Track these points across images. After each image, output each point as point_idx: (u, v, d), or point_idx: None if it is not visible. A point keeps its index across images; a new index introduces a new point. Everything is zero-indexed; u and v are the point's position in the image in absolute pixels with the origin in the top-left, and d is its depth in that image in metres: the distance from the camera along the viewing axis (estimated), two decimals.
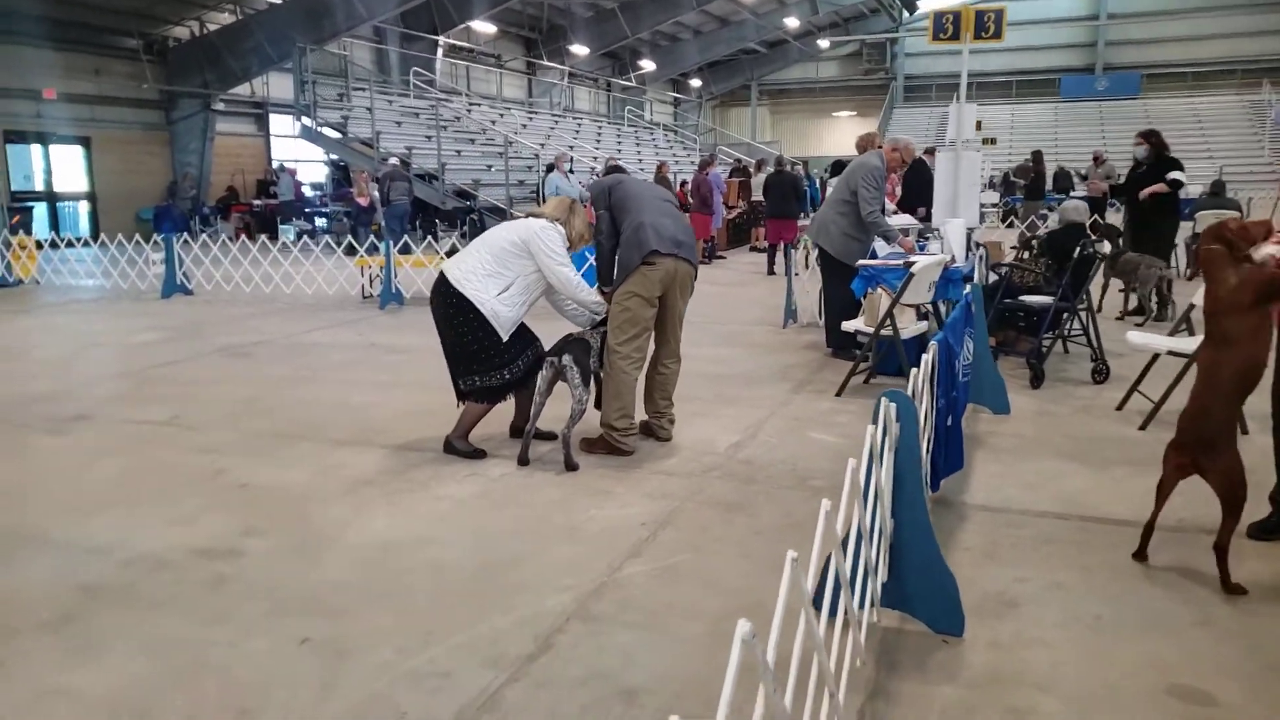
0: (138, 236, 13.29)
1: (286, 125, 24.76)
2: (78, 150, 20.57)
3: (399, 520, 3.88)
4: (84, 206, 21.01)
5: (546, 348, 4.65)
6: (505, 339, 4.48)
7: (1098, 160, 15.27)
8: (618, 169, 6.02)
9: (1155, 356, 5.37)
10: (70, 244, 13.73)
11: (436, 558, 3.49)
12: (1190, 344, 5.06)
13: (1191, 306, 5.45)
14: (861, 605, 2.58)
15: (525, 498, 4.11)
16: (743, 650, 1.37)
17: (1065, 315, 6.56)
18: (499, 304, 4.42)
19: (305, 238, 17.97)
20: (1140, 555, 3.35)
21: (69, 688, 2.67)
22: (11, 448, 5.05)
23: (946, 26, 7.44)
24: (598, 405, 4.66)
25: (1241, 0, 35.16)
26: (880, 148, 6.84)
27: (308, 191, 22.03)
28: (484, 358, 4.49)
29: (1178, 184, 8.05)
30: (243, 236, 16.90)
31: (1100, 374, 6.12)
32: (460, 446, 4.68)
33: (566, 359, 4.40)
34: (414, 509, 4.01)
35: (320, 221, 19.80)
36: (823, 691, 1.96)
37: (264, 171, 24.14)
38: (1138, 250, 8.26)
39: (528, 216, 4.69)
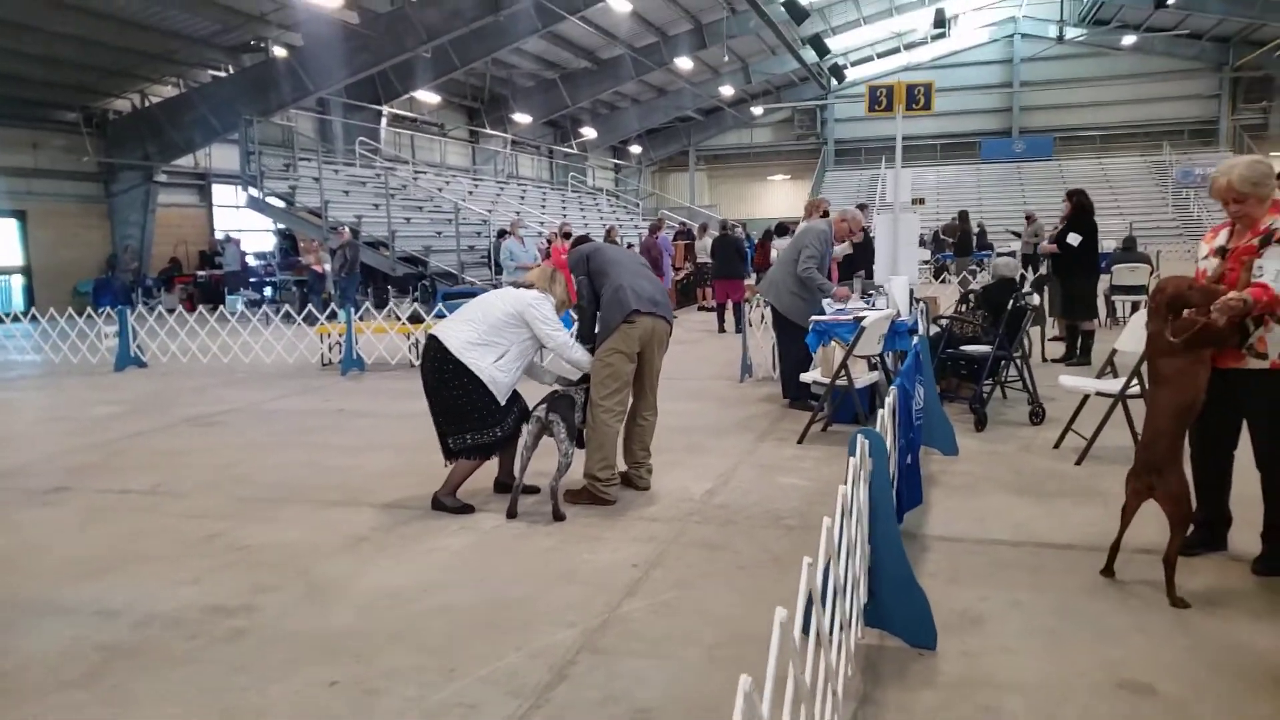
0: (71, 310, 13.20)
1: (229, 195, 24.85)
2: (12, 224, 20.35)
3: (401, 570, 4.09)
4: (18, 280, 20.71)
5: (529, 403, 4.93)
6: (502, 402, 4.75)
7: (1030, 219, 16.29)
8: (586, 239, 6.41)
9: (1085, 398, 5.87)
10: (0, 320, 13.55)
11: (444, 602, 3.71)
12: (1115, 385, 5.57)
13: (1114, 351, 5.98)
14: (845, 626, 2.88)
15: (519, 546, 4.35)
16: (742, 695, 1.49)
17: (1003, 363, 7.06)
18: (496, 370, 4.70)
19: (251, 307, 17.99)
20: (1108, 571, 3.72)
21: None
22: None
23: (880, 99, 8.05)
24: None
25: (1139, 70, 37.76)
26: (826, 214, 7.36)
27: (252, 261, 22.03)
28: (476, 417, 4.73)
29: (1068, 246, 8.72)
30: (185, 308, 16.86)
31: (1037, 416, 6.60)
32: (448, 503, 4.90)
33: (553, 416, 4.68)
34: (414, 560, 4.21)
35: (267, 291, 19.79)
36: (820, 706, 2.25)
37: (207, 242, 24.10)
38: (1065, 303, 8.92)
39: (514, 287, 5.00)
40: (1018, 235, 17.29)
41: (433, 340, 4.80)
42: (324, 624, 3.56)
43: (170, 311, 12.88)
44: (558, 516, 4.66)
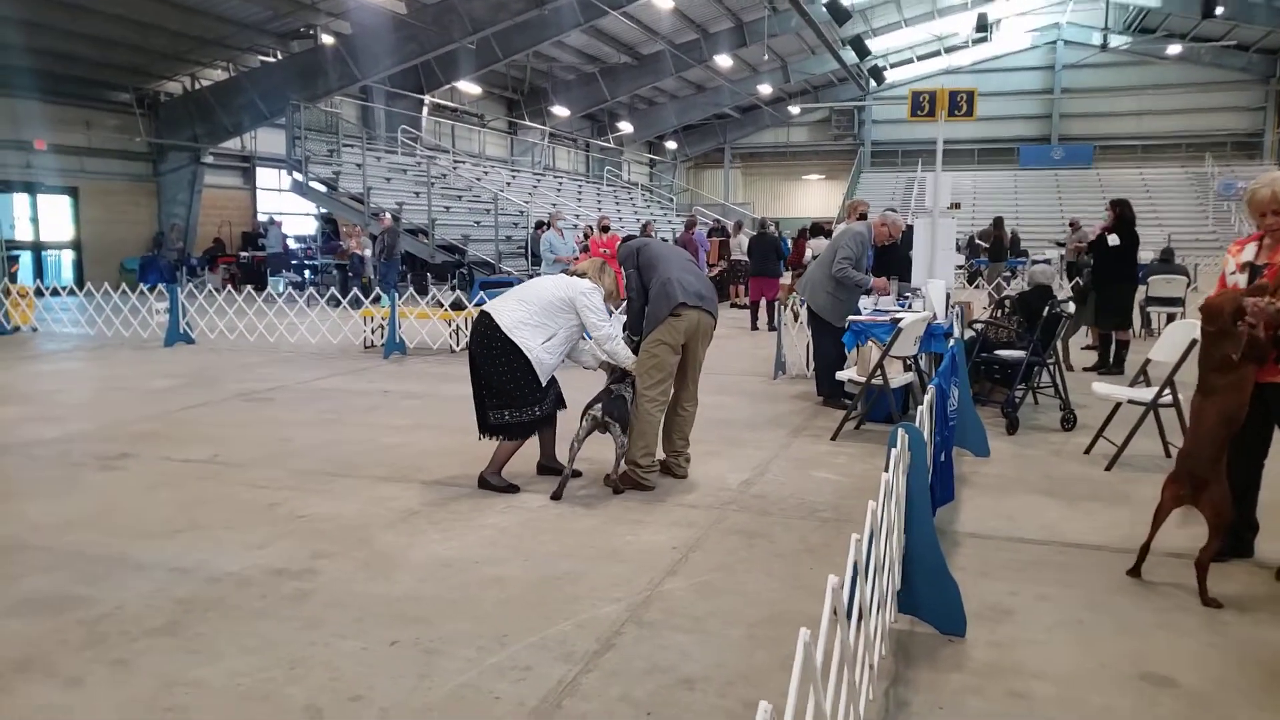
0: (124, 286, 13.61)
1: (272, 179, 25.30)
2: (65, 200, 20.89)
3: (453, 544, 4.30)
4: (68, 255, 21.26)
5: (563, 391, 5.19)
6: (544, 382, 4.96)
7: (1074, 226, 16.35)
8: (633, 238, 6.66)
9: (1117, 405, 5.98)
10: (55, 292, 14.02)
11: (496, 574, 3.92)
12: (1147, 394, 5.68)
13: (1148, 361, 6.08)
14: (881, 605, 3.05)
15: (564, 526, 4.55)
16: (802, 645, 1.69)
17: (1036, 368, 7.17)
18: (543, 352, 4.92)
19: (295, 289, 18.37)
20: (1135, 572, 3.84)
21: (195, 680, 3.04)
22: (70, 482, 5.38)
23: (923, 105, 8.14)
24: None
25: (1183, 80, 37.30)
26: (864, 217, 7.50)
27: (293, 244, 22.45)
28: (518, 395, 4.94)
29: (1104, 250, 8.82)
30: (229, 287, 17.27)
31: (1068, 422, 6.71)
32: (495, 482, 5.11)
33: (609, 419, 4.93)
34: (464, 535, 4.43)
35: (308, 274, 20.19)
36: (859, 673, 2.42)
37: (250, 224, 24.56)
38: (1099, 312, 8.99)
39: (567, 275, 5.23)
40: (1061, 245, 17.28)
41: (484, 317, 5.00)
42: (382, 589, 3.78)
43: (216, 291, 13.24)
44: (617, 491, 4.99)
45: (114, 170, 21.47)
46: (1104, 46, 37.87)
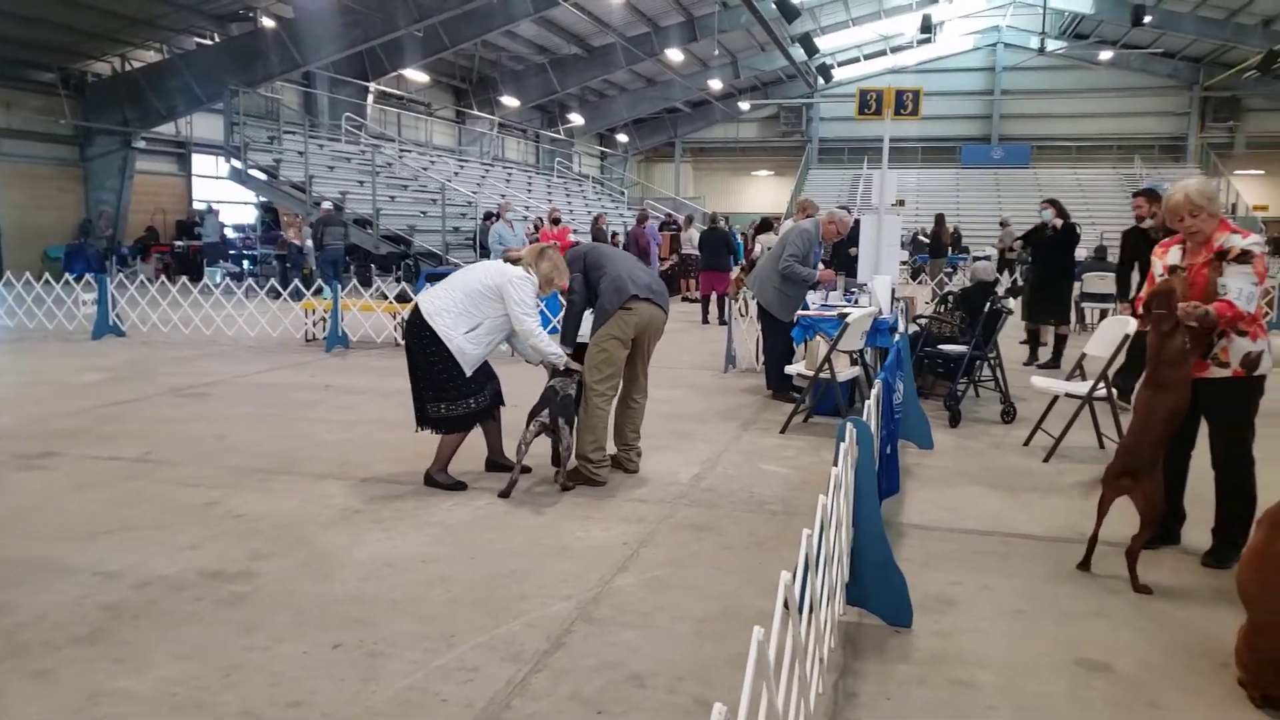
0: (47, 275, 13.08)
1: (210, 166, 24.64)
2: None
3: (397, 543, 4.21)
4: None
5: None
6: (469, 374, 4.84)
7: (1003, 224, 16.71)
8: (588, 232, 6.58)
9: (1055, 398, 6.11)
10: None
11: (442, 573, 3.85)
12: (1083, 388, 5.81)
13: (1084, 355, 6.22)
14: (830, 597, 3.06)
15: (512, 523, 4.49)
16: (755, 644, 1.68)
17: (977, 363, 7.29)
18: (465, 341, 4.79)
19: (233, 280, 17.92)
20: (1085, 565, 3.90)
21: (121, 690, 2.92)
22: None
23: (870, 103, 8.23)
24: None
25: (1115, 85, 38.42)
26: (812, 215, 7.56)
27: (231, 233, 21.89)
28: (450, 388, 4.84)
29: (1046, 239, 9.05)
30: (162, 278, 16.76)
31: (1008, 415, 6.84)
32: (441, 479, 5.02)
33: (561, 421, 4.84)
34: (409, 533, 4.34)
35: (246, 264, 19.71)
36: (809, 667, 2.42)
37: (185, 212, 23.89)
38: (1036, 305, 9.18)
39: (504, 260, 5.07)
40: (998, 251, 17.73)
41: (415, 307, 4.91)
42: (324, 590, 3.68)
43: (150, 281, 12.84)
44: (565, 489, 4.92)
45: (36, 154, 20.61)
46: (1041, 50, 38.67)
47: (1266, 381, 3.91)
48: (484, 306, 4.83)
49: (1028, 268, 9.65)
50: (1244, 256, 3.74)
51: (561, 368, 4.98)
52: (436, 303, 4.83)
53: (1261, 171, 37.00)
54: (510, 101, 31.22)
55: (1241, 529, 3.91)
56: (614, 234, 18.69)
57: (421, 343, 4.82)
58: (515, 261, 4.95)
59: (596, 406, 4.96)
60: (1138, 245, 7.32)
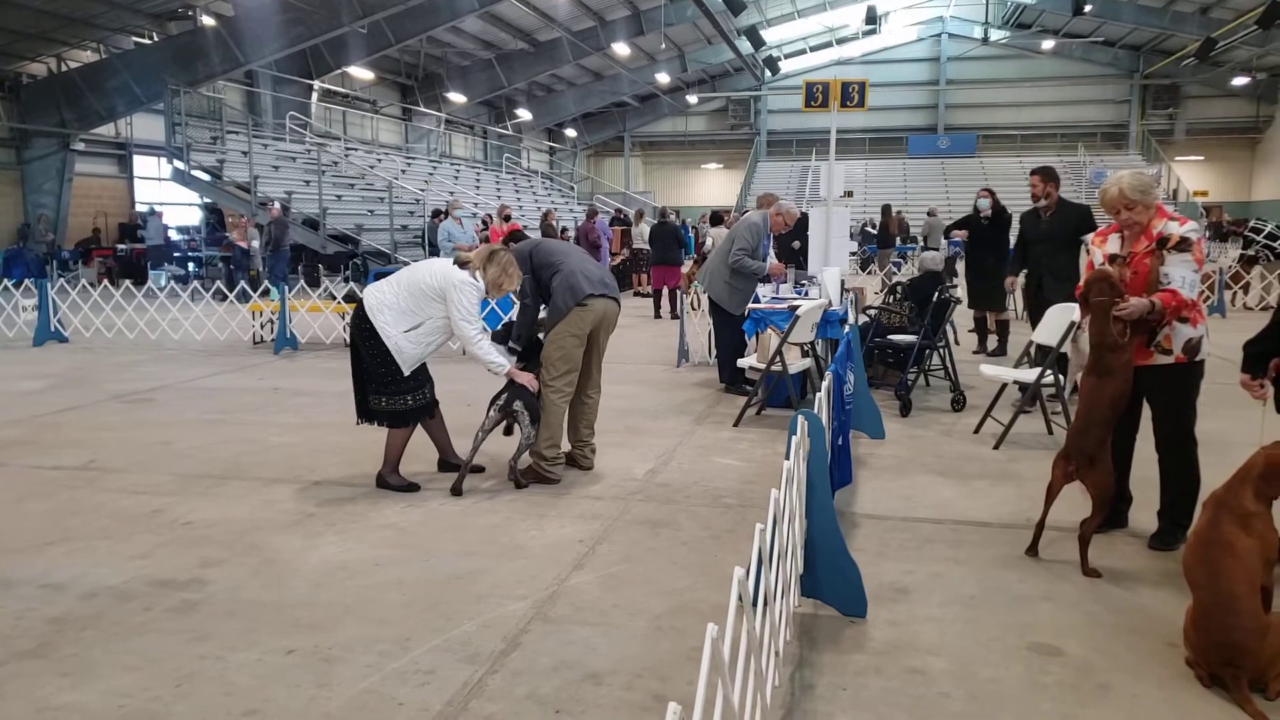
0: None
1: (152, 167, 24.08)
2: None
3: (350, 546, 4.17)
4: None
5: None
6: (405, 373, 4.79)
7: (931, 214, 17.10)
8: (521, 234, 6.40)
9: (1004, 386, 6.22)
10: None
11: (396, 576, 3.81)
12: (1031, 375, 5.93)
13: (1031, 343, 6.34)
14: (785, 591, 3.09)
15: (466, 523, 4.46)
16: (709, 641, 1.69)
17: (927, 352, 7.40)
18: (404, 340, 4.74)
19: (178, 283, 17.53)
20: (1032, 551, 3.97)
21: (70, 704, 2.85)
22: None
23: (817, 95, 8.29)
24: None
25: (1057, 74, 39.23)
26: (767, 209, 7.61)
27: (175, 235, 21.41)
28: (389, 383, 4.81)
29: (979, 225, 9.19)
30: (105, 282, 16.33)
31: (958, 403, 6.95)
32: (393, 481, 4.97)
33: (518, 405, 4.81)
34: (363, 536, 4.29)
35: (192, 266, 19.31)
36: (765, 661, 2.45)
37: (128, 214, 23.32)
38: (976, 295, 9.31)
39: (454, 262, 4.92)
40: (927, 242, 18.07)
41: (361, 299, 4.86)
42: (276, 597, 3.63)
43: (91, 286, 12.52)
44: (519, 485, 4.88)
45: None
46: (985, 40, 39.44)
47: (1205, 365, 4.03)
48: (427, 306, 4.76)
49: (959, 256, 9.79)
50: (1183, 244, 3.84)
51: (502, 375, 4.87)
52: (380, 298, 4.78)
53: (1201, 157, 38.05)
54: (457, 98, 30.94)
55: (1186, 510, 4.03)
56: (564, 229, 18.63)
57: (363, 335, 4.79)
58: (465, 264, 4.84)
59: (553, 404, 4.95)
60: (1028, 223, 7.46)
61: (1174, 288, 3.79)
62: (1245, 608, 2.81)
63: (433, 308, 4.75)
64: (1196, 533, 2.99)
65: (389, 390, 4.81)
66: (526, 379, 4.87)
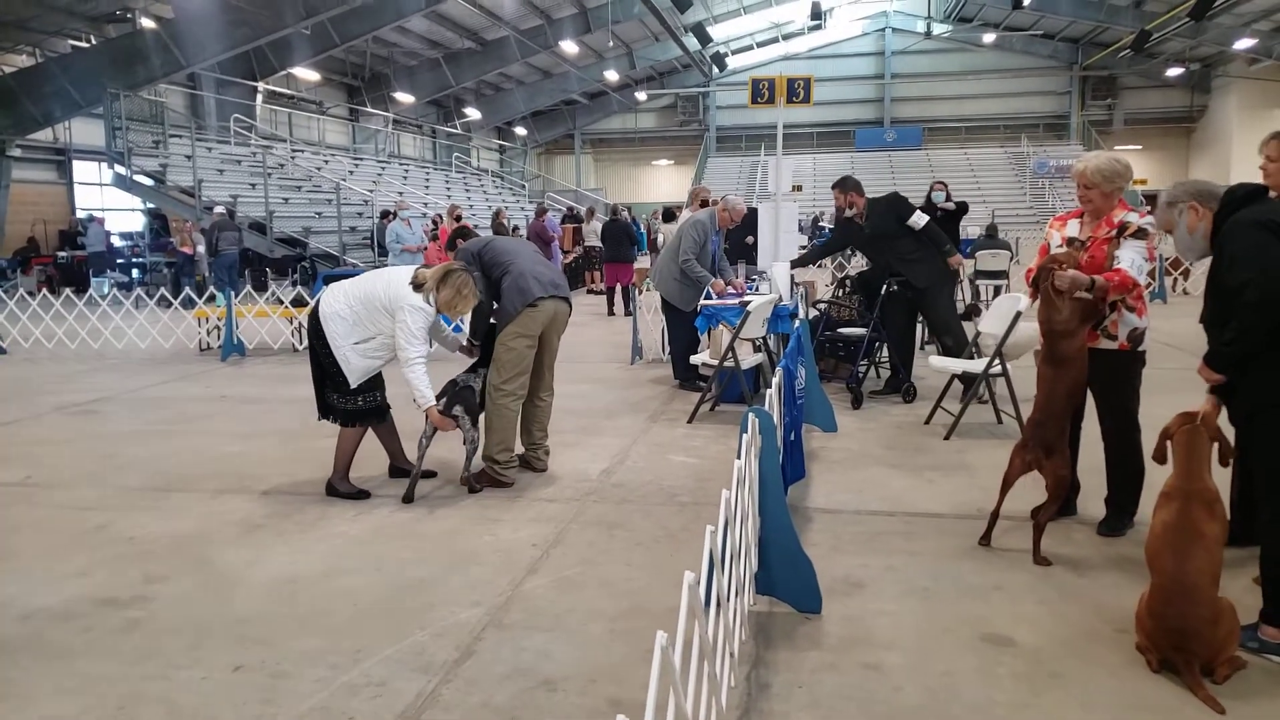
0: None
1: (92, 173, 23.46)
2: None
3: (300, 557, 4.09)
4: None
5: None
6: (353, 384, 4.75)
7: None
8: (468, 232, 6.21)
9: (953, 377, 6.30)
10: None
11: (347, 586, 3.75)
12: (978, 365, 6.01)
13: (979, 334, 6.43)
14: (739, 591, 3.09)
15: (418, 530, 4.40)
16: (659, 650, 1.68)
17: (877, 344, 7.46)
18: (353, 352, 4.69)
19: (122, 290, 17.10)
20: (985, 540, 4.00)
21: None
22: None
23: (763, 92, 8.33)
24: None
25: (999, 66, 39.95)
26: (705, 204, 7.61)
27: (117, 242, 20.89)
28: (340, 382, 4.77)
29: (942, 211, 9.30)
30: (44, 290, 15.88)
31: (909, 394, 7.02)
32: (343, 488, 4.90)
33: (458, 409, 4.75)
34: (312, 547, 4.21)
35: (135, 273, 18.85)
36: (719, 664, 2.44)
37: (68, 221, 22.70)
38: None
39: (413, 279, 4.69)
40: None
41: (322, 297, 4.81)
42: (223, 611, 3.55)
43: (31, 295, 12.16)
44: (473, 490, 4.85)
45: None
46: (928, 34, 39.98)
47: (1148, 354, 4.11)
48: (379, 321, 4.67)
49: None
50: (1140, 233, 3.94)
51: (422, 410, 4.72)
52: (334, 306, 4.72)
53: (1140, 147, 38.95)
54: (404, 98, 30.60)
55: (1132, 496, 4.10)
56: (515, 227, 18.52)
57: (318, 336, 4.75)
58: (420, 284, 4.64)
59: (504, 407, 4.90)
60: (846, 233, 7.53)
61: (1121, 267, 3.87)
62: (1204, 596, 2.85)
63: (385, 323, 4.67)
64: (1165, 522, 2.97)
65: (342, 390, 4.78)
66: (441, 423, 4.72)
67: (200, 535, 4.39)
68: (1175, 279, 14.85)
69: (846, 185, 7.27)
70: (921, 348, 8.18)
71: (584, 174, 42.97)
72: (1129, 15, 32.56)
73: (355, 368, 4.71)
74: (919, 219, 6.86)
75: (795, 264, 8.03)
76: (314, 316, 4.78)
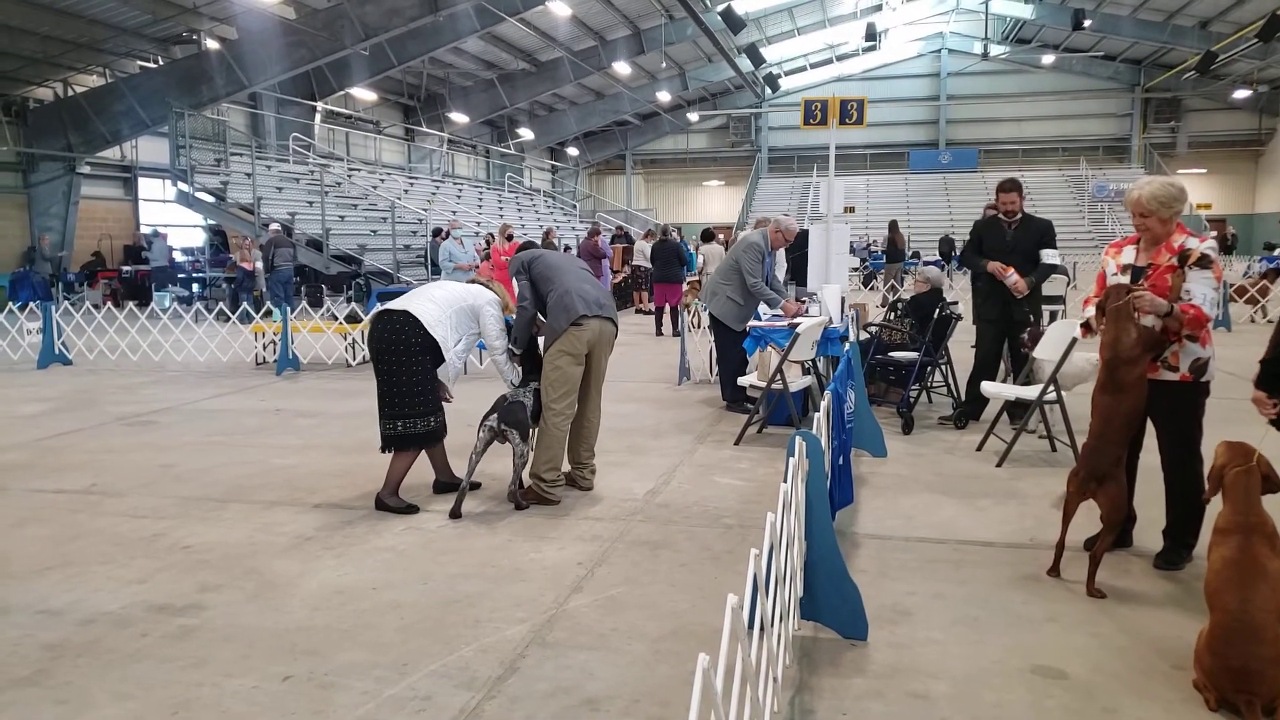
0: None
1: (156, 189, 24.22)
2: None
3: (349, 570, 4.14)
4: None
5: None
6: (451, 384, 5.04)
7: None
8: (531, 244, 6.53)
9: (1006, 403, 6.19)
10: None
11: (394, 599, 3.79)
12: (1033, 391, 5.90)
13: (1033, 359, 6.31)
14: (784, 616, 3.06)
15: (465, 545, 4.44)
16: (700, 672, 1.67)
17: (929, 369, 7.37)
18: (454, 354, 4.94)
19: (183, 305, 17.59)
20: (1054, 571, 3.91)
21: None
22: None
23: (816, 113, 8.32)
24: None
25: (1058, 88, 39.36)
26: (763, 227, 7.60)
27: (179, 257, 21.51)
28: (419, 402, 4.83)
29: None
30: (109, 303, 16.41)
31: (961, 420, 6.91)
32: (392, 503, 4.96)
33: (506, 425, 4.83)
34: (361, 560, 4.27)
35: (196, 288, 19.37)
36: (762, 689, 2.42)
37: (132, 237, 23.44)
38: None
39: (472, 283, 5.25)
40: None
41: (403, 315, 4.85)
42: (274, 622, 3.61)
43: (96, 308, 12.56)
44: (519, 507, 4.90)
45: None
46: (985, 55, 39.58)
47: (1212, 384, 4.00)
48: (467, 324, 5.03)
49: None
50: (1203, 260, 3.83)
51: (511, 386, 5.10)
52: (435, 313, 4.88)
53: (1204, 170, 38.09)
54: (459, 118, 31.12)
55: (1191, 529, 3.99)
56: (566, 247, 18.68)
57: (409, 350, 4.81)
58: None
59: (554, 426, 4.93)
60: (989, 229, 7.18)
61: (1196, 303, 3.77)
62: (1269, 635, 2.76)
63: (468, 324, 5.03)
64: (1226, 557, 2.89)
65: (412, 410, 4.84)
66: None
67: (252, 546, 4.48)
68: (1263, 306, 14.18)
69: (1020, 187, 7.01)
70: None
71: (634, 194, 43.24)
72: (1194, 36, 31.94)
73: (453, 369, 4.98)
74: (1053, 255, 6.75)
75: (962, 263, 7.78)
76: (404, 331, 4.81)
